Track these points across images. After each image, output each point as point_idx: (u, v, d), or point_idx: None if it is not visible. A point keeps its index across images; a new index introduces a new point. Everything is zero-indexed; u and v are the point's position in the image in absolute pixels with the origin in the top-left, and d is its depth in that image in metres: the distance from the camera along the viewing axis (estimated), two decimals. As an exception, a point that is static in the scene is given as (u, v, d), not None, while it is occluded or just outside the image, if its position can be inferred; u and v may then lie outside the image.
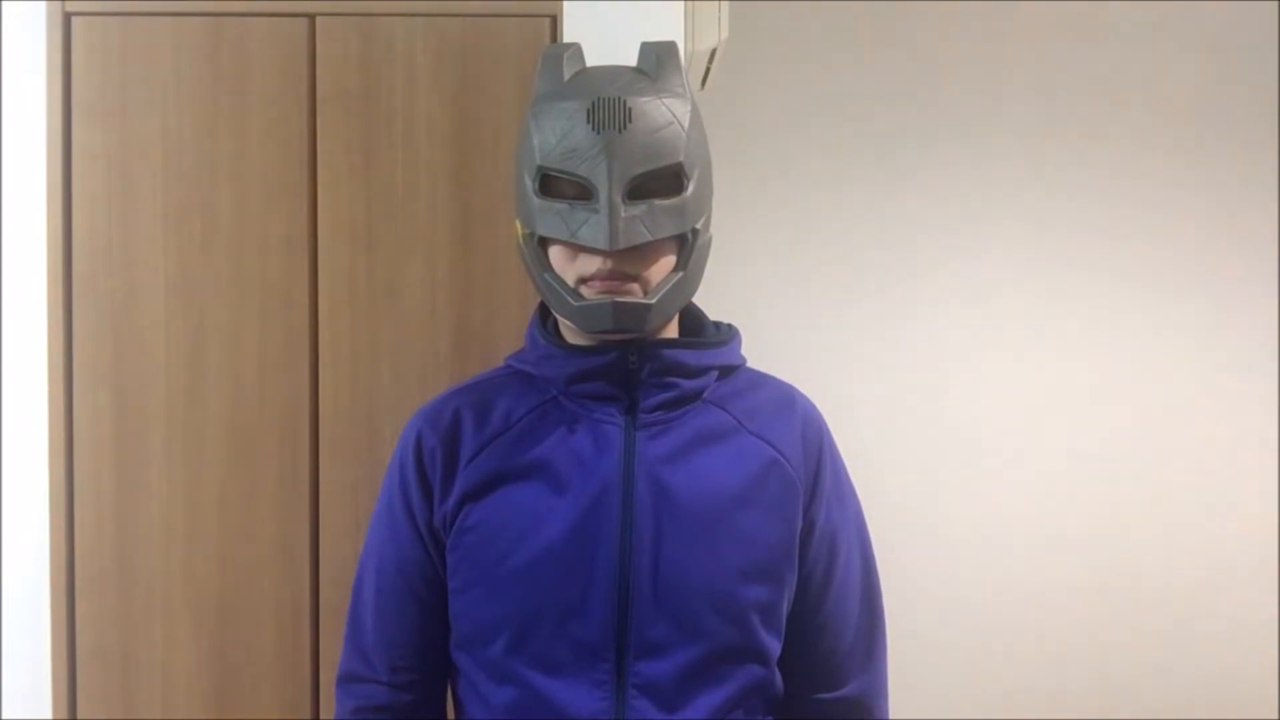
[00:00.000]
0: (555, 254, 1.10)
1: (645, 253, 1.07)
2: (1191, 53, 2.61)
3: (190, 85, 1.46)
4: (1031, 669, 2.64)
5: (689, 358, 1.12)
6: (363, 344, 1.47)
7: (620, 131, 1.04)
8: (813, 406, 1.21)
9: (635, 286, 1.07)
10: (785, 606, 1.15)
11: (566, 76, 1.12)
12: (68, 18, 1.46)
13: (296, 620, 1.47)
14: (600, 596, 1.07)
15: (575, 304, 1.07)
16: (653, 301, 1.07)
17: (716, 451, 1.12)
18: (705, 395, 1.14)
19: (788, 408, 1.18)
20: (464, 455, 1.13)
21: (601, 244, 1.04)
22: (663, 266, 1.09)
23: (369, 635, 1.17)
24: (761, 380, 1.21)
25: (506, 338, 1.45)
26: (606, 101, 1.05)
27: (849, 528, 1.19)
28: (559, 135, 1.06)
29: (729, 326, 1.21)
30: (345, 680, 1.18)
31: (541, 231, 1.09)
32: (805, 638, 1.18)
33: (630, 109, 1.05)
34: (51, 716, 1.47)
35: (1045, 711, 2.63)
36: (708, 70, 1.90)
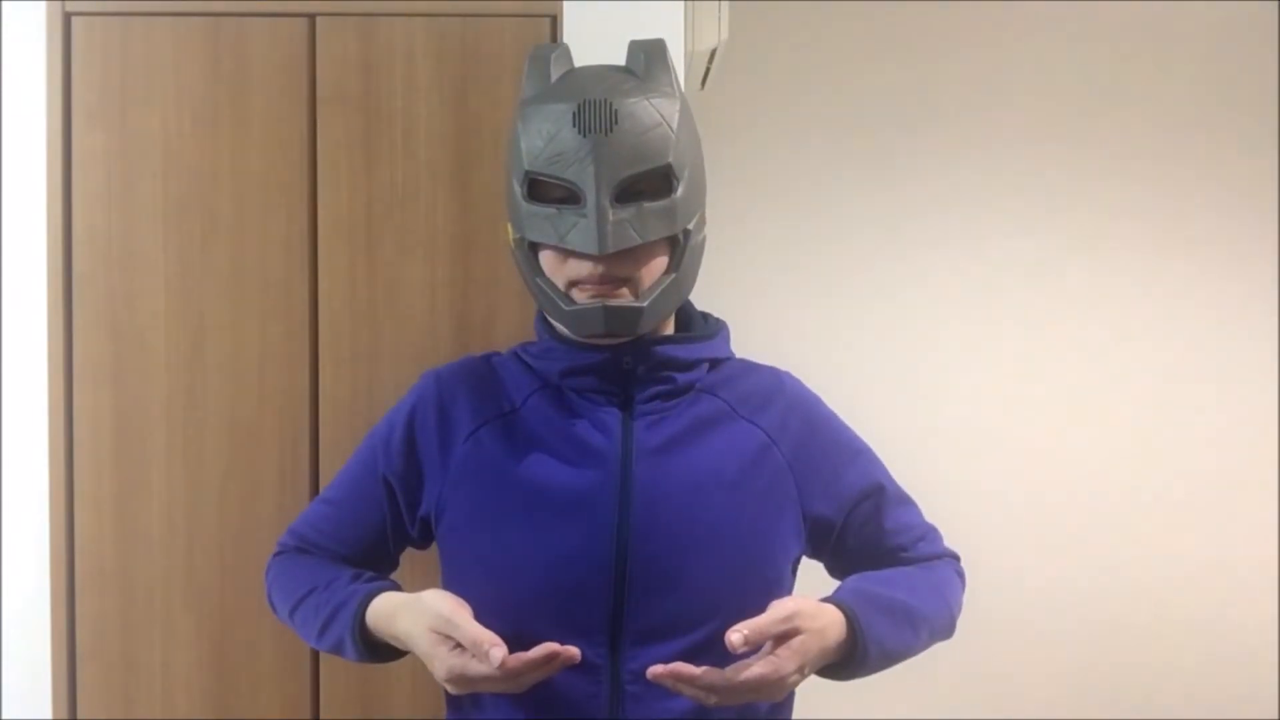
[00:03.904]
0: (546, 258, 1.10)
1: (636, 255, 1.06)
2: (1191, 53, 2.61)
3: (190, 85, 1.46)
4: (1029, 667, 2.64)
5: (681, 352, 1.13)
6: (363, 344, 1.47)
7: (607, 134, 1.03)
8: (800, 386, 1.21)
9: (626, 290, 1.07)
10: (786, 590, 1.15)
11: (553, 78, 1.11)
12: (68, 18, 1.46)
13: (296, 620, 1.47)
14: (596, 582, 1.06)
15: (567, 309, 1.07)
16: (644, 305, 1.07)
17: (712, 438, 1.12)
18: (698, 385, 1.15)
19: (777, 393, 1.18)
20: (460, 434, 1.13)
21: (590, 249, 1.04)
22: (654, 269, 1.08)
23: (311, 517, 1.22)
24: (752, 367, 1.21)
25: (506, 337, 1.45)
26: (592, 104, 1.04)
27: (874, 469, 1.21)
28: (545, 139, 1.05)
29: (716, 319, 1.21)
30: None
31: (530, 236, 1.09)
32: (879, 560, 1.20)
33: (616, 111, 1.04)
34: (51, 716, 1.47)
35: (1044, 710, 2.63)
36: (708, 70, 1.90)
